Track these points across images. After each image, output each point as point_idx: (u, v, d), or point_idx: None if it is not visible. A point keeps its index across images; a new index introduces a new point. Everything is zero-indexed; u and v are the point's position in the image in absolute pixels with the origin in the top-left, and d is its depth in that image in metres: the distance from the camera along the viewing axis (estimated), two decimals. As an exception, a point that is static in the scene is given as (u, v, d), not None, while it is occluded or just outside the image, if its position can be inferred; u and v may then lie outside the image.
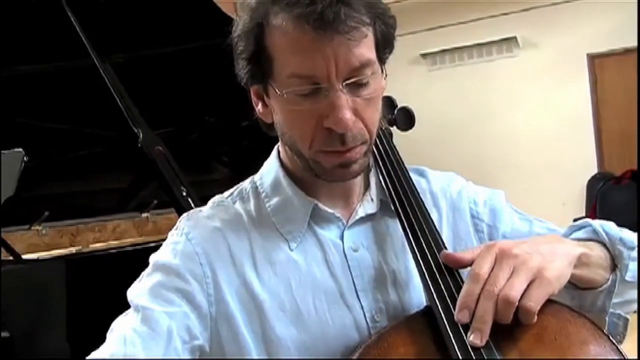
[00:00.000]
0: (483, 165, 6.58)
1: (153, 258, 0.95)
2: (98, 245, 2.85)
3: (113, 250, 2.34)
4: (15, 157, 1.88)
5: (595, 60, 6.38)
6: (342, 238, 0.97)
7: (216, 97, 3.00)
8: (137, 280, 0.94)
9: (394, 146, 1.08)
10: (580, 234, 0.99)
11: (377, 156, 1.04)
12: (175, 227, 0.98)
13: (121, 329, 0.87)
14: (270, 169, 1.01)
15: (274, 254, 0.94)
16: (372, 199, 1.01)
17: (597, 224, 0.98)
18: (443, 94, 6.69)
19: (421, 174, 1.09)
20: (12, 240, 2.29)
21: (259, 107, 0.97)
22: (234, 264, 0.93)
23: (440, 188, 1.08)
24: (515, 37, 6.50)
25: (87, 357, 0.84)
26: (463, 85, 6.70)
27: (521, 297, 0.80)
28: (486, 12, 6.50)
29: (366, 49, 0.86)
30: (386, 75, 0.92)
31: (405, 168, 1.05)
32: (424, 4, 6.45)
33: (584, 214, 6.13)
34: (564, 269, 0.86)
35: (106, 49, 2.36)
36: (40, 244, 2.77)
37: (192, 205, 2.03)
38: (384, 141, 1.07)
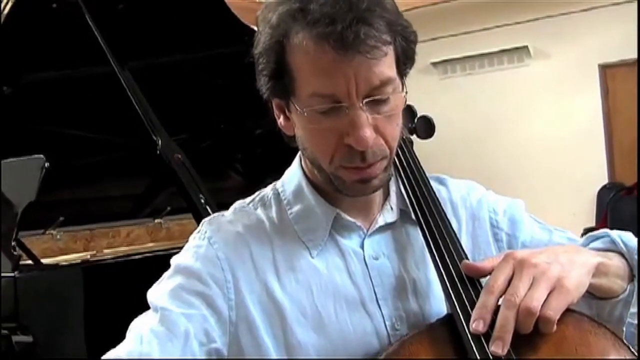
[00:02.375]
0: (493, 175, 6.57)
1: (174, 261, 0.96)
2: (112, 251, 2.86)
3: (132, 257, 2.34)
4: (36, 163, 1.90)
5: (606, 71, 6.37)
6: (362, 246, 0.98)
7: (230, 105, 3.01)
8: (158, 282, 0.95)
9: (415, 155, 1.09)
10: (598, 243, 1.00)
11: (398, 165, 1.05)
12: (197, 231, 0.98)
13: (139, 328, 0.88)
14: (292, 177, 1.02)
15: (295, 261, 0.95)
16: (391, 208, 1.02)
17: (615, 234, 0.99)
18: (453, 103, 6.69)
19: (441, 182, 1.10)
20: (27, 245, 2.30)
21: (280, 120, 0.98)
22: (255, 270, 0.94)
23: (460, 197, 1.08)
24: (526, 47, 6.49)
25: (104, 356, 0.85)
26: (474, 95, 6.70)
27: (541, 306, 0.81)
28: (498, 21, 6.50)
29: (386, 67, 0.87)
30: (406, 92, 0.93)
31: (426, 177, 1.05)
32: (435, 12, 6.45)
33: (594, 225, 6.10)
34: (583, 278, 0.86)
35: (123, 55, 2.38)
36: (55, 249, 2.78)
37: (211, 213, 2.04)
38: (405, 150, 1.07)
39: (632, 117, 6.13)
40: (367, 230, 0.99)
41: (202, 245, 0.95)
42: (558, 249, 0.90)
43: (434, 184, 1.06)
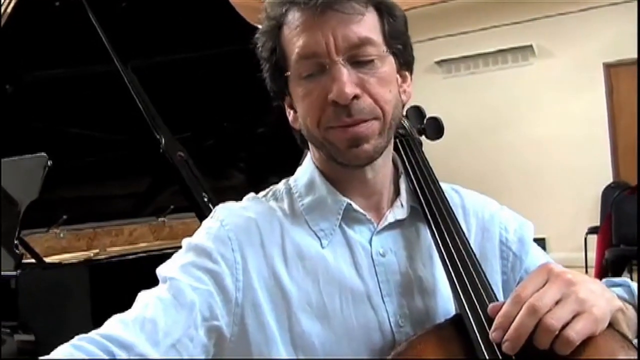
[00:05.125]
0: (498, 173, 6.57)
1: (186, 240, 0.97)
2: (115, 249, 2.87)
3: (136, 255, 2.34)
4: (39, 162, 1.89)
5: (611, 69, 6.37)
6: (370, 242, 0.98)
7: (233, 103, 3.01)
8: (169, 259, 0.96)
9: (424, 155, 1.09)
10: (618, 290, 0.99)
11: (407, 163, 1.06)
12: (210, 216, 1.00)
13: (146, 296, 0.89)
14: (305, 171, 1.04)
15: (304, 250, 0.96)
16: (402, 205, 1.02)
17: (635, 285, 0.99)
18: (457, 102, 6.69)
19: (455, 190, 1.11)
20: (30, 243, 2.30)
21: (290, 118, 1.01)
22: (264, 255, 0.94)
23: (472, 206, 1.09)
24: (531, 46, 6.50)
25: (110, 319, 0.86)
26: (478, 93, 6.70)
27: (564, 325, 0.80)
28: (502, 20, 6.50)
29: (366, 29, 0.91)
30: (411, 80, 0.98)
31: (436, 177, 1.05)
32: (439, 11, 6.45)
33: (598, 224, 6.09)
34: (607, 313, 0.85)
35: (126, 53, 2.38)
36: (58, 247, 2.78)
37: (213, 211, 2.03)
38: (414, 150, 1.08)
39: (637, 116, 6.12)
40: (377, 226, 0.99)
41: (214, 226, 0.96)
42: (587, 277, 0.89)
43: (447, 190, 1.06)
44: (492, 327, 0.83)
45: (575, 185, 6.41)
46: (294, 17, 0.92)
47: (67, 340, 0.82)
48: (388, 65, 0.94)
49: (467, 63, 6.76)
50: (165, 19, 2.56)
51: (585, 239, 5.96)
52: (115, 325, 0.85)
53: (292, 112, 1.00)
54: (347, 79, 0.89)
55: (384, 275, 0.96)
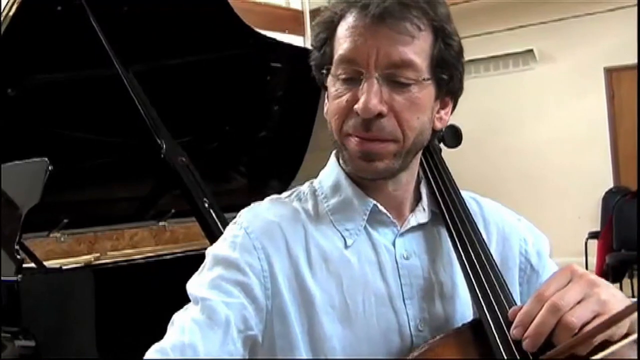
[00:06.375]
0: (498, 177, 6.57)
1: (212, 251, 0.97)
2: (116, 253, 2.86)
3: (137, 260, 2.34)
4: (40, 166, 1.89)
5: (612, 74, 6.37)
6: (394, 244, 0.99)
7: (235, 107, 3.01)
8: (197, 273, 0.96)
9: (444, 162, 1.09)
10: None
11: (427, 169, 1.06)
12: (233, 221, 1.00)
13: (181, 320, 0.90)
14: (330, 173, 1.04)
15: (328, 251, 0.96)
16: (424, 209, 1.02)
17: None
18: (459, 106, 6.66)
19: (474, 198, 1.11)
20: (31, 247, 2.29)
21: (325, 109, 1.01)
22: (289, 257, 0.95)
23: (492, 215, 1.09)
24: (532, 50, 6.50)
25: (149, 351, 0.87)
26: (479, 98, 6.69)
27: (584, 325, 0.81)
28: (503, 24, 6.50)
29: (412, 52, 0.90)
30: (453, 108, 1.00)
31: (455, 184, 1.06)
32: (440, 16, 6.46)
33: (599, 229, 6.09)
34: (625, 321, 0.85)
35: (128, 57, 2.38)
36: (59, 251, 2.78)
37: (215, 216, 2.04)
38: (435, 157, 1.08)
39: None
40: (400, 228, 1.00)
41: (239, 235, 0.96)
42: (610, 284, 0.90)
43: (465, 198, 1.06)
44: (513, 325, 0.84)
45: (576, 190, 6.41)
46: (350, 19, 0.93)
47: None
48: (425, 92, 0.93)
49: (468, 68, 6.71)
50: (166, 23, 2.57)
51: (586, 243, 5.95)
52: (156, 355, 0.86)
53: (327, 104, 1.01)
54: (375, 95, 0.89)
55: (407, 278, 0.97)
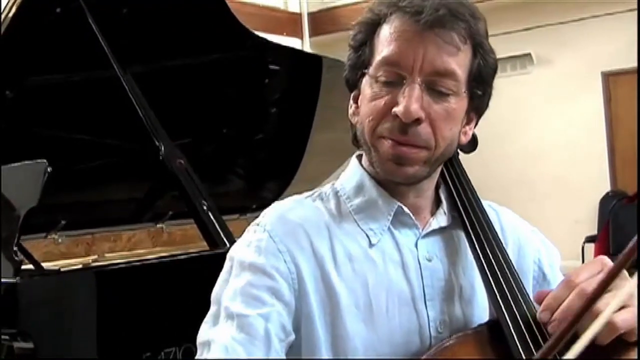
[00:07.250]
0: (495, 182, 6.56)
1: (235, 256, 0.97)
2: (113, 255, 2.86)
3: (136, 263, 2.34)
4: (38, 168, 1.89)
5: (609, 78, 6.38)
6: (416, 246, 1.00)
7: (233, 110, 3.02)
8: (223, 280, 0.96)
9: (463, 168, 1.11)
10: None
11: (447, 174, 1.07)
12: (256, 222, 1.00)
13: (220, 339, 0.89)
14: (352, 175, 1.04)
15: (352, 250, 0.97)
16: (444, 213, 1.04)
17: None
18: (456, 109, 6.70)
19: (491, 207, 1.12)
20: (28, 249, 2.29)
21: (350, 110, 1.02)
22: (315, 256, 0.95)
23: (509, 224, 1.11)
24: (529, 54, 6.51)
25: None
26: (476, 101, 6.71)
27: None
28: (500, 28, 6.50)
29: (455, 63, 0.93)
30: (476, 125, 1.03)
31: (474, 189, 1.07)
32: (438, 19, 6.47)
33: (596, 232, 6.09)
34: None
35: (126, 59, 2.38)
36: (56, 253, 2.77)
37: (212, 218, 2.04)
38: (454, 162, 1.10)
39: (635, 125, 6.12)
40: (422, 231, 1.01)
41: (262, 238, 0.96)
42: None
43: (485, 206, 1.08)
44: (540, 309, 0.87)
45: (573, 194, 6.41)
46: (396, 23, 0.93)
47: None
48: (460, 104, 0.95)
49: (466, 71, 6.78)
50: (165, 26, 2.57)
51: (583, 247, 5.96)
52: None
53: (354, 105, 1.01)
54: (417, 100, 0.91)
55: (430, 280, 0.98)
